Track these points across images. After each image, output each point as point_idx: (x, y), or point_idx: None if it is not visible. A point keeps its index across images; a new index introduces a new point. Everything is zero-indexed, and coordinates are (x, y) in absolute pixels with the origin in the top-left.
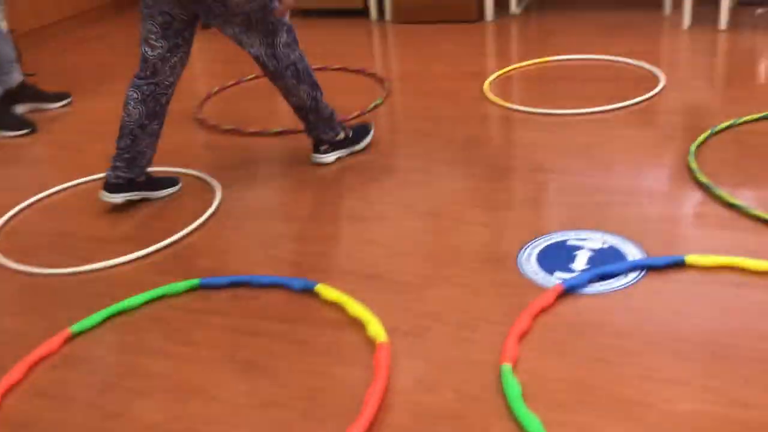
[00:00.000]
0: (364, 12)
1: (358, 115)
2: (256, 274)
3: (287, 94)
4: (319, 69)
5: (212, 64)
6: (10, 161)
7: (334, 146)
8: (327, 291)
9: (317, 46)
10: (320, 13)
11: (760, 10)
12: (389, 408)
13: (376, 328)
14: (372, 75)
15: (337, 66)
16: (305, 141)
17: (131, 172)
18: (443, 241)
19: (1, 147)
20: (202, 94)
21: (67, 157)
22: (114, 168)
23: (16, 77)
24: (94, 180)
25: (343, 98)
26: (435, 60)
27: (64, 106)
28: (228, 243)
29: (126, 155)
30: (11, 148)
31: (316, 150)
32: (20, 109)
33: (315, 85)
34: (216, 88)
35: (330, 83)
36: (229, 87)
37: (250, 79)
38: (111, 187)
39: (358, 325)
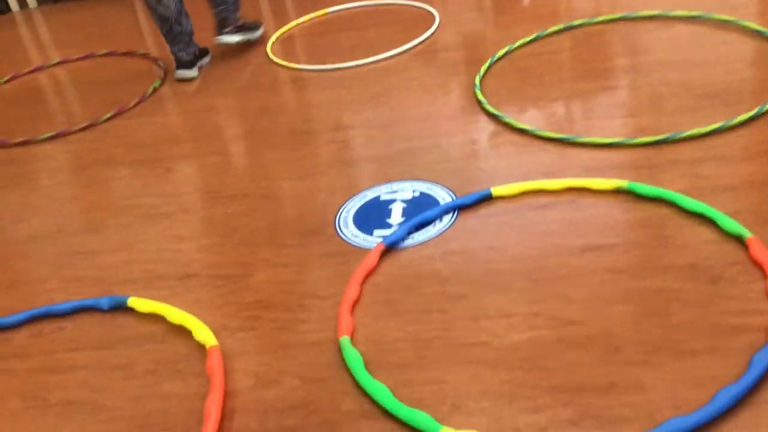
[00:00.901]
0: None
1: (139, 102)
2: (56, 302)
3: None
4: (84, 57)
5: None
6: None
7: (238, 29)
8: (141, 303)
9: (77, 31)
10: None
11: None
12: (233, 414)
13: (202, 333)
14: (144, 55)
15: (104, 51)
16: (83, 143)
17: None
18: (256, 222)
19: None
20: None
21: None
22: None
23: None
24: None
25: (116, 86)
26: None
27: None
28: (16, 274)
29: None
30: None
31: (221, 32)
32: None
33: None
34: None
35: (98, 72)
36: None
37: (5, 82)
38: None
39: (183, 332)
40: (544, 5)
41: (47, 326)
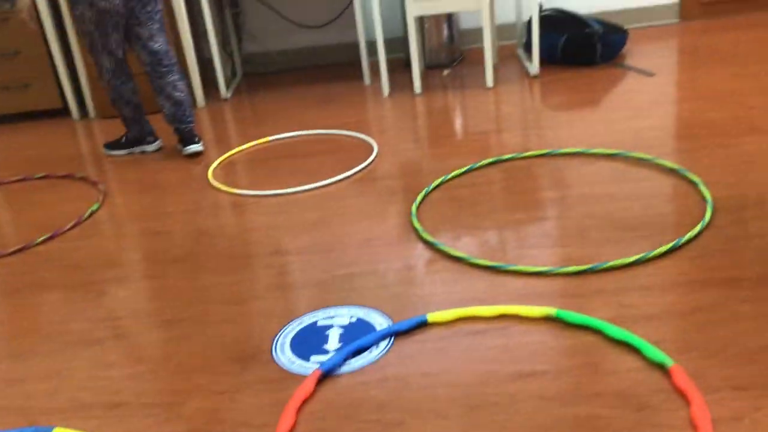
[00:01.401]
0: (64, 111)
1: (76, 224)
2: None
3: (173, 90)
4: (19, 180)
5: None
6: None
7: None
8: None
9: (14, 153)
10: (15, 117)
11: (446, 72)
12: None
13: None
14: (82, 178)
15: (41, 174)
16: (14, 266)
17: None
18: (191, 347)
19: None
20: None
21: None
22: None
23: None
24: None
25: (53, 208)
26: (154, 156)
27: None
28: None
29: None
30: None
31: (192, 141)
32: None
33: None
34: None
35: (34, 194)
36: None
37: None
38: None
39: None
40: (476, 140)
41: None
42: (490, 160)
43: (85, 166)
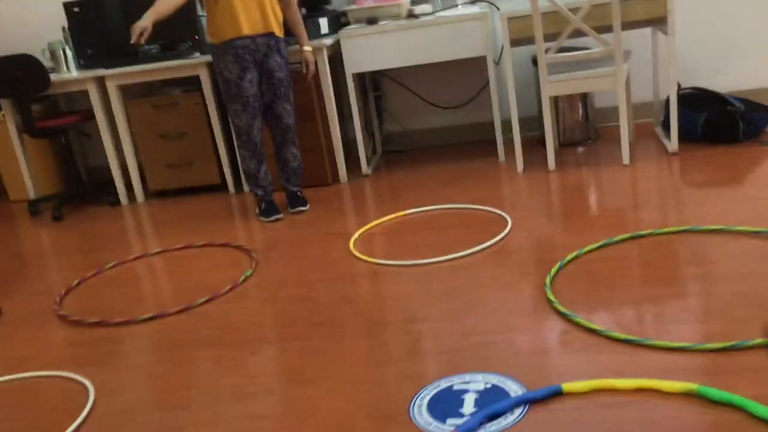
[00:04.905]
0: (222, 186)
1: (232, 288)
2: None
3: (292, 158)
4: (183, 248)
5: (69, 257)
6: None
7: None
8: None
9: (178, 224)
10: (178, 192)
11: (581, 149)
12: None
13: None
14: (238, 247)
15: (201, 243)
16: (177, 325)
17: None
18: (334, 405)
19: None
20: (61, 289)
21: None
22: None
23: None
24: None
25: (212, 274)
26: (299, 225)
27: None
28: None
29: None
30: None
31: (303, 202)
32: None
33: None
34: (76, 281)
35: (196, 261)
36: (89, 278)
37: (111, 267)
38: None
39: None
40: (612, 216)
41: None
42: (627, 235)
43: (238, 235)
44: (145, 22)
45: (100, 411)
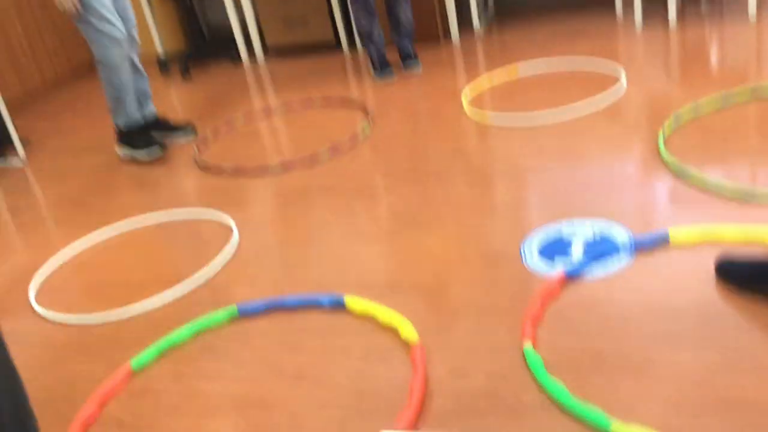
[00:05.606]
0: (335, 44)
1: (350, 141)
2: (285, 297)
3: (404, 15)
4: (306, 99)
5: (201, 112)
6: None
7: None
8: (356, 302)
9: (296, 80)
10: (293, 49)
11: (705, 5)
12: (431, 395)
13: (408, 331)
14: (354, 103)
15: (319, 96)
16: (301, 173)
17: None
18: (448, 245)
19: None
20: (198, 142)
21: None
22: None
23: (152, 109)
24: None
25: (331, 128)
26: (412, 82)
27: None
28: (253, 272)
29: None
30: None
31: (416, 62)
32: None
33: None
34: (210, 134)
35: (316, 115)
36: (221, 132)
37: (240, 123)
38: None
39: (391, 331)
40: (732, 73)
41: (280, 315)
42: (746, 91)
43: (353, 92)
44: None
45: (243, 244)
